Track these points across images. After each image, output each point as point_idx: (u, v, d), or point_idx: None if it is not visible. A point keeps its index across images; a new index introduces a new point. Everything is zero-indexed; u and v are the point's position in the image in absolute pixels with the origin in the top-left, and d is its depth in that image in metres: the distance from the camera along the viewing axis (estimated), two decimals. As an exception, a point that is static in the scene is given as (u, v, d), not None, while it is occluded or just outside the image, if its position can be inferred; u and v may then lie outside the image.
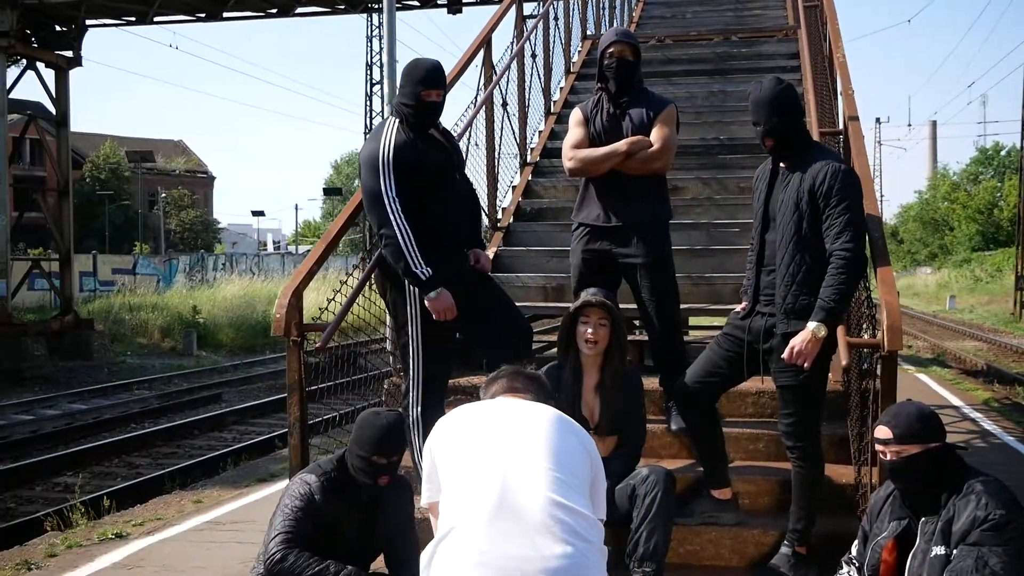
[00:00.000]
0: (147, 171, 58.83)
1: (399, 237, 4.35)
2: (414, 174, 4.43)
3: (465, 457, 2.64)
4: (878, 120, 75.04)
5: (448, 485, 2.64)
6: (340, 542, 3.75)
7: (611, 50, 4.97)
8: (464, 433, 2.72)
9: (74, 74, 20.64)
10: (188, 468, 10.51)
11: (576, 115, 5.15)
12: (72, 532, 6.69)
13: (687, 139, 8.20)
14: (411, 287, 4.44)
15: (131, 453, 11.99)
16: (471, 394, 5.52)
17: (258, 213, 61.15)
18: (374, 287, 4.82)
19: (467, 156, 6.63)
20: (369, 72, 37.63)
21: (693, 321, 8.66)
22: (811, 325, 3.92)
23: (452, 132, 5.05)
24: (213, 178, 68.82)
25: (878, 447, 3.34)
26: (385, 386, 5.44)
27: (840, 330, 3.97)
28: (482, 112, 6.97)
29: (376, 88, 37.19)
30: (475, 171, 6.93)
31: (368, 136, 4.56)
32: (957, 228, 61.13)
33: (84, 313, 23.63)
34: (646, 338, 5.29)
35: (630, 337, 6.01)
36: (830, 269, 3.94)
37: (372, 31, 36.73)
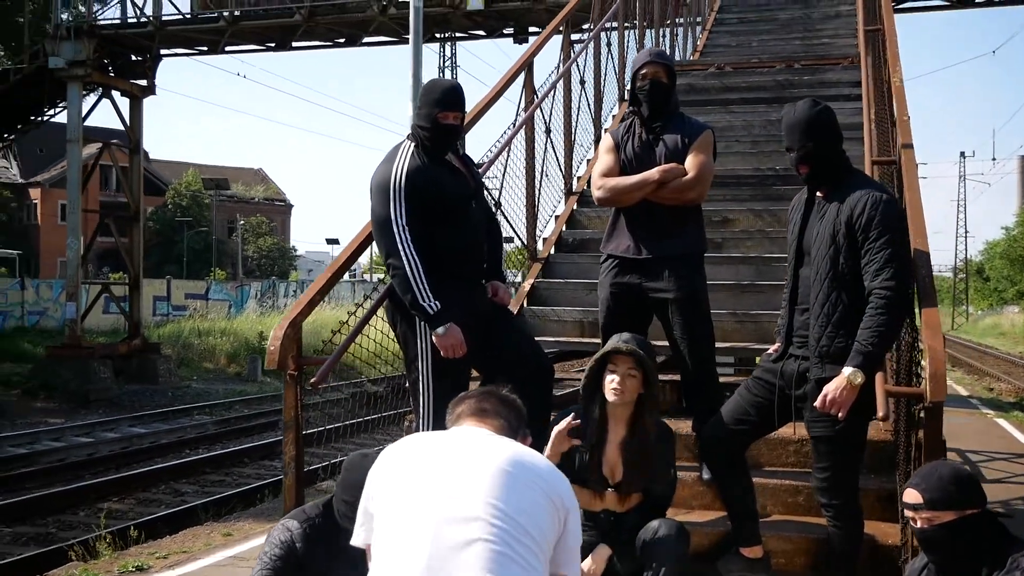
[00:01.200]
0: (227, 198, 60.00)
1: (407, 267, 4.10)
2: (427, 201, 4.18)
3: (398, 507, 2.30)
4: (962, 154, 73.31)
5: (378, 536, 2.32)
6: (326, 594, 3.48)
7: (644, 71, 4.69)
8: (404, 475, 2.36)
9: (155, 103, 21.07)
10: (227, 498, 10.37)
11: (607, 141, 4.87)
12: (95, 563, 6.55)
13: (741, 168, 7.90)
14: (421, 320, 4.19)
15: (179, 480, 11.94)
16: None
17: (332, 241, 61.62)
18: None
19: (503, 182, 6.39)
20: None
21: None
22: (847, 371, 3.54)
23: (473, 158, 4.80)
24: (291, 206, 69.87)
25: (907, 512, 2.96)
26: (407, 424, 5.19)
27: (879, 377, 3.59)
28: (522, 137, 6.72)
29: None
30: (513, 199, 6.69)
31: (382, 160, 4.32)
32: (1047, 266, 58.94)
33: (154, 337, 24.02)
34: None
35: (667, 376, 5.68)
36: (869, 309, 3.57)
37: (444, 61, 36.96)
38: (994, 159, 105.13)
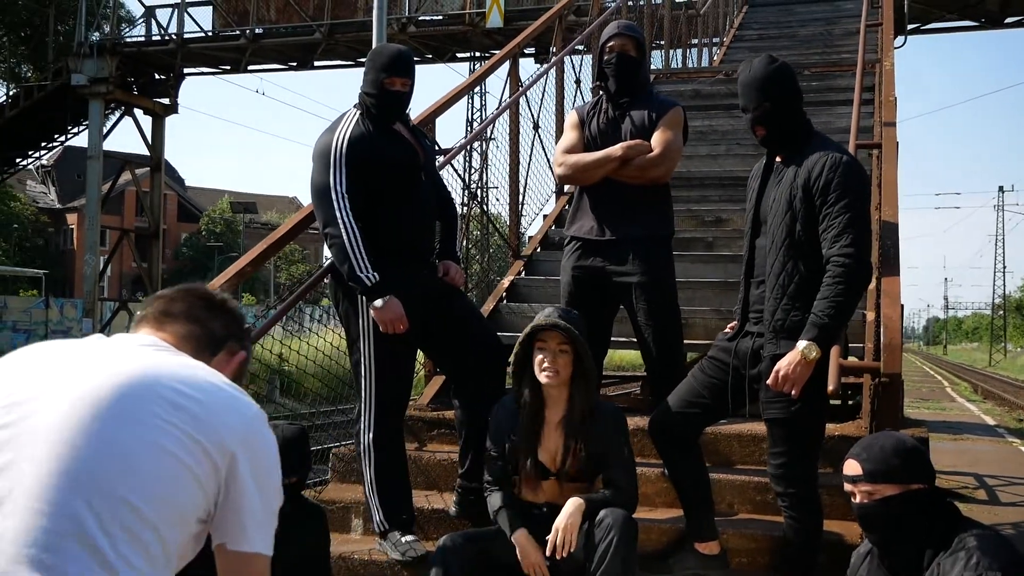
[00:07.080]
0: (260, 226, 60.42)
1: (344, 236, 3.87)
2: (370, 170, 3.96)
3: None
4: (1001, 188, 72.66)
5: None
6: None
7: (611, 44, 4.46)
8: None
9: (185, 126, 21.25)
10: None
11: (571, 118, 4.64)
12: None
13: (740, 170, 7.64)
14: (360, 294, 3.95)
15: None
16: (443, 426, 4.97)
17: (365, 268, 61.85)
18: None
19: (485, 175, 6.16)
20: (469, 127, 37.56)
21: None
22: (800, 345, 3.24)
23: (425, 131, 4.58)
24: (324, 234, 70.13)
25: (846, 486, 2.66)
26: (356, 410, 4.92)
27: (834, 351, 3.30)
28: (506, 130, 6.51)
29: (477, 144, 36.98)
30: (498, 196, 6.47)
31: (325, 129, 4.11)
32: (1088, 302, 57.77)
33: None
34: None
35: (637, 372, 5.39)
36: (826, 278, 3.28)
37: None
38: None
